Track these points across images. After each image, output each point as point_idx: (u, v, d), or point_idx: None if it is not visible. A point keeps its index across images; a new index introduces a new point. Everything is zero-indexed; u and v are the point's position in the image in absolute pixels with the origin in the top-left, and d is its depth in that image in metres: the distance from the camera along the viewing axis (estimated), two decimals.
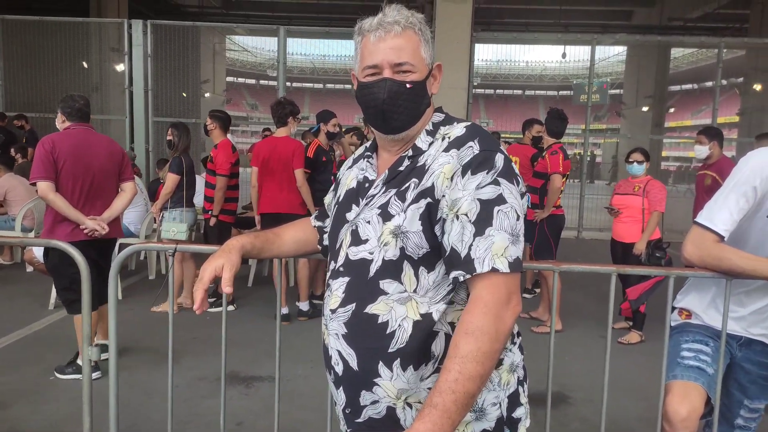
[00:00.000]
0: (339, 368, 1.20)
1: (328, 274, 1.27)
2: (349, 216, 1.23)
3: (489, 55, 35.26)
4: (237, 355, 3.96)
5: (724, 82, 10.19)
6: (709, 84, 29.76)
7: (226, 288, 1.21)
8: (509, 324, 1.07)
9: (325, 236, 1.44)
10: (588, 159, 10.37)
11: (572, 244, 8.73)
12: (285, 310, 4.69)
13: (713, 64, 9.47)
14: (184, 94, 13.32)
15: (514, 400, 1.19)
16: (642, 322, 4.46)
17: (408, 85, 1.16)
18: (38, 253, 4.56)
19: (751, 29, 13.39)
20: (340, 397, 1.22)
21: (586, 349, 4.26)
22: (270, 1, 19.40)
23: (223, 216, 4.77)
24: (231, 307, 5.01)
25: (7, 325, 4.34)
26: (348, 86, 47.24)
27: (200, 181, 5.36)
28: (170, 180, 4.64)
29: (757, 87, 11.99)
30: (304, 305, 4.79)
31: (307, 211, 4.63)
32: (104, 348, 3.87)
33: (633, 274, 3.79)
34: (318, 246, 1.49)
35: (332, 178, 5.13)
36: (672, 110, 27.56)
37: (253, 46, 35.94)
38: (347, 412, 1.22)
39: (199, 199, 5.11)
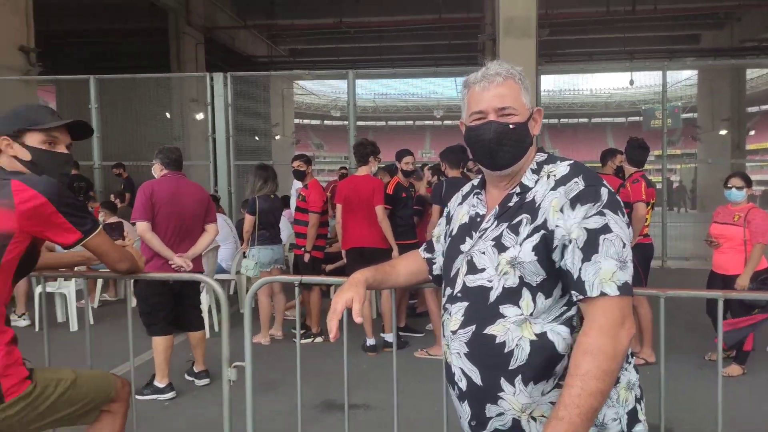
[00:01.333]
0: (462, 384, 1.32)
1: (444, 299, 1.41)
2: (464, 248, 1.37)
3: (550, 85, 35.12)
4: (332, 384, 4.14)
5: None
6: None
7: (358, 319, 1.37)
8: (625, 344, 1.17)
9: (435, 266, 1.59)
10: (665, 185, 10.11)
11: (659, 274, 8.46)
12: (372, 341, 4.85)
13: None
14: (257, 138, 14.06)
15: (632, 417, 1.27)
16: (745, 357, 4.28)
17: (511, 126, 1.31)
18: None
19: None
20: (465, 410, 1.34)
21: (682, 381, 4.14)
22: (333, 48, 20.32)
23: (314, 252, 5.03)
24: (320, 339, 5.22)
25: (117, 357, 4.72)
26: (409, 122, 48.40)
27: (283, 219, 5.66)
28: (246, 221, 4.98)
29: None
30: (389, 337, 4.93)
31: (389, 245, 4.81)
32: (199, 375, 4.17)
33: (735, 308, 3.67)
34: (429, 276, 1.63)
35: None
36: (752, 132, 26.32)
37: (317, 89, 37.51)
38: (472, 424, 1.33)
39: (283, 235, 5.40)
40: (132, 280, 3.83)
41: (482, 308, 1.29)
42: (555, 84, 36.67)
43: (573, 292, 1.21)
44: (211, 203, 4.08)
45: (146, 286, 3.68)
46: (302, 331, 5.31)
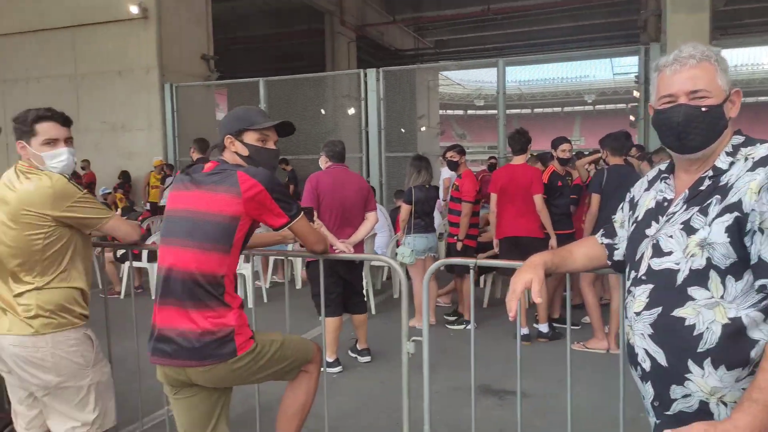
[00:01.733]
0: (646, 365, 1.33)
1: (628, 282, 1.41)
2: (649, 232, 1.37)
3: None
4: (486, 369, 4.22)
5: None
6: None
7: (537, 299, 1.42)
8: None
9: (616, 252, 1.59)
10: None
11: None
12: (525, 331, 4.83)
13: None
14: (403, 130, 14.45)
15: None
16: None
17: (703, 109, 1.28)
18: None
19: None
20: (647, 391, 1.35)
21: None
22: (479, 36, 20.10)
23: (466, 240, 5.12)
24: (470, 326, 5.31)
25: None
26: (557, 109, 46.25)
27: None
28: (403, 210, 5.17)
29: None
30: (543, 327, 4.87)
31: (545, 234, 4.74)
32: (362, 352, 4.47)
33: None
34: (607, 262, 1.63)
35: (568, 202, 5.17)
36: None
37: (461, 79, 37.35)
38: (655, 405, 1.33)
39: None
40: (305, 265, 4.25)
41: (669, 291, 1.29)
42: (730, 59, 32.67)
43: (763, 281, 1.18)
44: (370, 193, 4.33)
45: (318, 270, 4.01)
46: (454, 318, 5.44)
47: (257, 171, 1.92)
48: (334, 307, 4.04)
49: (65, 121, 2.15)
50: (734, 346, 1.21)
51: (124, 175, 10.40)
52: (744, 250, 1.20)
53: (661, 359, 1.29)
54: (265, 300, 6.40)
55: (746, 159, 1.26)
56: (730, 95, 1.32)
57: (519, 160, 4.78)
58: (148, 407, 3.01)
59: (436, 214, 6.33)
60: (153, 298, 1.99)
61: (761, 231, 1.18)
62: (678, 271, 1.28)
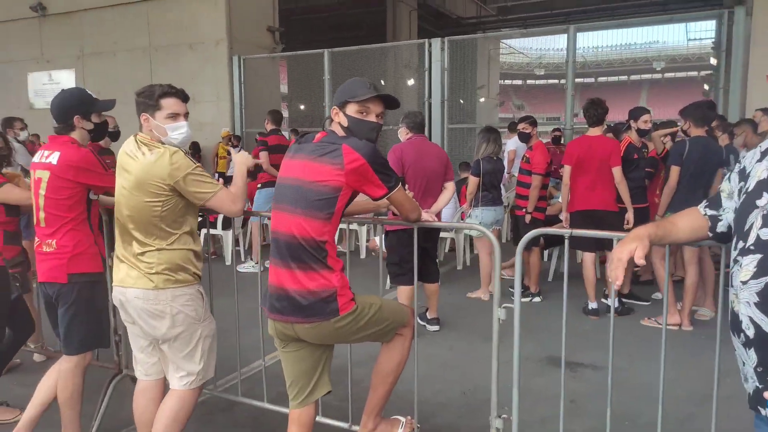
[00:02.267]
0: (750, 332, 1.34)
1: (735, 252, 1.41)
2: (760, 203, 1.37)
3: None
4: (555, 341, 4.24)
5: None
6: None
7: (640, 261, 1.46)
8: None
9: (720, 224, 1.58)
10: None
11: None
12: (594, 305, 4.80)
13: None
14: (462, 101, 14.29)
15: None
16: None
17: None
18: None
19: None
20: (750, 357, 1.36)
21: None
22: (545, 1, 19.39)
23: (535, 213, 5.10)
24: (538, 299, 5.32)
25: None
26: (623, 77, 44.24)
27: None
28: (471, 182, 5.17)
29: None
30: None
31: (619, 208, 4.65)
32: (431, 321, 4.57)
33: None
34: (708, 234, 1.63)
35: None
36: None
37: (521, 46, 36.17)
38: (759, 370, 1.35)
39: None
40: (383, 233, 4.36)
41: None
42: None
43: None
44: (449, 162, 4.35)
45: (397, 239, 4.11)
46: (521, 290, 5.45)
47: (360, 144, 2.01)
48: (410, 275, 4.15)
49: (185, 97, 2.33)
50: None
51: (194, 146, 10.81)
52: None
53: (766, 327, 1.31)
54: None
55: None
56: None
57: (595, 131, 4.67)
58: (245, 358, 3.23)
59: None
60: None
61: None
62: None
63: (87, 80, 11.51)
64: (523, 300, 5.33)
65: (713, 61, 12.21)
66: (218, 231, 6.84)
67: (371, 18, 17.93)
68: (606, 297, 4.99)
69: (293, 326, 2.05)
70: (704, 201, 1.68)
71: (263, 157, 6.26)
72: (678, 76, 40.70)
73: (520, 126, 5.24)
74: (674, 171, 4.33)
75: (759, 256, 1.34)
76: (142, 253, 2.22)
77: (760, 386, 1.37)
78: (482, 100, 20.01)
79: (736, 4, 9.20)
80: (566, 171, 4.73)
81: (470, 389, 3.56)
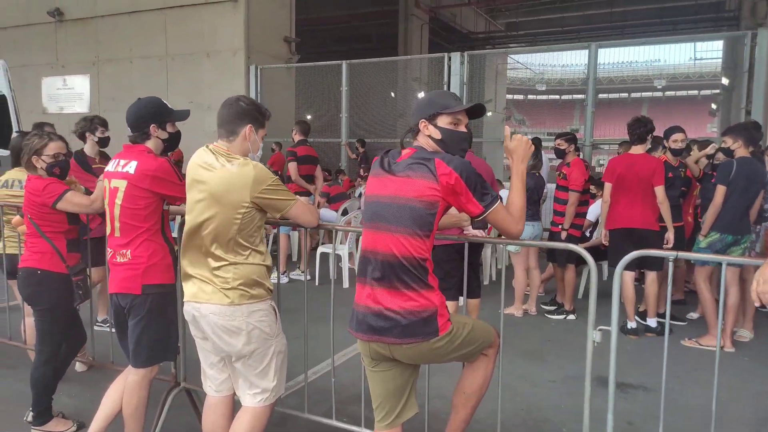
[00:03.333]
0: None
1: None
2: None
3: None
4: (600, 360, 4.19)
5: None
6: None
7: None
8: None
9: None
10: None
11: None
12: (633, 324, 4.76)
13: None
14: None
15: None
16: None
17: None
18: None
19: None
20: None
21: None
22: (554, 18, 19.54)
23: (571, 230, 5.06)
24: (572, 317, 5.28)
25: None
26: (623, 94, 44.50)
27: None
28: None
29: None
30: (652, 322, 4.79)
31: (659, 227, 4.62)
32: None
33: None
34: None
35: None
36: None
37: (528, 62, 36.33)
38: None
39: None
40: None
41: None
42: None
43: None
44: (493, 176, 4.33)
45: (443, 253, 4.05)
46: (554, 308, 5.42)
47: (453, 159, 1.97)
48: (455, 290, 4.09)
49: None
50: None
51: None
52: None
53: None
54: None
55: None
56: None
57: (638, 149, 4.63)
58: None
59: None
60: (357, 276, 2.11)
61: None
62: None
63: (101, 87, 11.48)
64: (558, 317, 5.29)
65: (725, 81, 12.29)
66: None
67: (381, 30, 18.02)
68: (641, 316, 4.94)
69: (390, 346, 1.99)
70: None
71: (292, 169, 6.22)
72: (678, 95, 40.96)
73: (557, 142, 5.22)
74: (720, 190, 4.30)
75: None
76: (218, 268, 2.16)
77: None
78: (489, 114, 20.09)
79: (758, 25, 9.28)
80: (607, 188, 4.69)
81: (523, 409, 3.50)
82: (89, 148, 4.31)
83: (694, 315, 5.30)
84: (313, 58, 12.53)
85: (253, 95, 10.59)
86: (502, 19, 21.09)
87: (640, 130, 4.56)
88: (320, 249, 6.37)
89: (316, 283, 6.26)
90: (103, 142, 4.32)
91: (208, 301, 2.16)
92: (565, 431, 3.24)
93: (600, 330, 2.31)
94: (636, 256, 2.29)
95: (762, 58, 7.60)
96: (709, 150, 5.24)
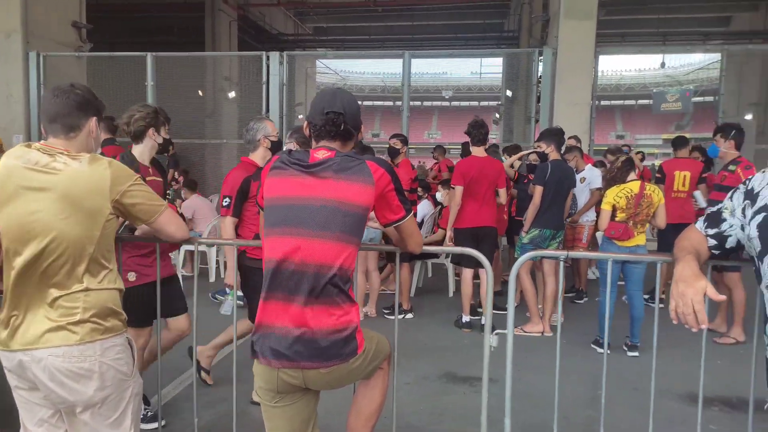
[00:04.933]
0: None
1: (765, 265, 1.52)
2: None
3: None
4: (446, 358, 4.32)
5: None
6: None
7: (720, 297, 1.50)
8: None
9: (729, 239, 1.68)
10: None
11: None
12: (467, 318, 5.00)
13: None
14: (301, 117, 14.01)
15: None
16: None
17: None
18: None
19: None
20: None
21: None
22: (360, 26, 20.24)
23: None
24: (410, 315, 5.38)
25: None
26: (417, 102, 48.15)
27: None
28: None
29: None
30: (466, 317, 5.06)
31: (495, 224, 4.93)
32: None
33: None
34: (712, 252, 1.72)
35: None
36: None
37: (342, 69, 37.32)
38: None
39: None
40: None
41: None
42: (612, 65, 35.94)
43: None
44: None
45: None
46: (389, 309, 5.45)
47: (380, 161, 1.84)
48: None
49: None
50: None
51: None
52: None
53: None
54: None
55: None
56: None
57: (480, 151, 4.85)
58: None
59: None
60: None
61: None
62: None
63: None
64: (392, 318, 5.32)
65: (509, 92, 13.88)
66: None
67: (185, 24, 16.82)
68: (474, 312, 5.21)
69: (304, 373, 1.72)
70: (701, 221, 1.78)
71: None
72: (463, 105, 45.52)
73: (391, 141, 5.30)
74: (538, 191, 4.71)
75: None
76: (60, 297, 1.68)
77: None
78: (301, 116, 20.02)
79: (540, 45, 10.59)
80: (458, 191, 4.80)
81: (386, 416, 3.39)
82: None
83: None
84: (105, 49, 11.14)
85: (33, 87, 9.04)
86: (311, 23, 21.20)
87: (481, 131, 4.77)
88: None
89: None
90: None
91: (46, 343, 1.66)
92: None
93: (497, 334, 2.29)
94: (532, 256, 2.32)
95: (546, 73, 8.68)
96: (525, 153, 5.76)
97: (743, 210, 1.64)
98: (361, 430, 2.05)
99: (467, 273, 4.89)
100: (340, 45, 19.08)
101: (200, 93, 14.56)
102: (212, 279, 6.61)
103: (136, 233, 2.19)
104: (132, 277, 2.79)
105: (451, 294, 6.14)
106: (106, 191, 1.70)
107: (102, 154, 5.41)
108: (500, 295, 6.06)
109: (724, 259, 1.79)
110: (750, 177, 1.70)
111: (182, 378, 3.75)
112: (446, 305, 5.78)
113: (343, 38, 20.25)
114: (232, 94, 13.97)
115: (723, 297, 1.52)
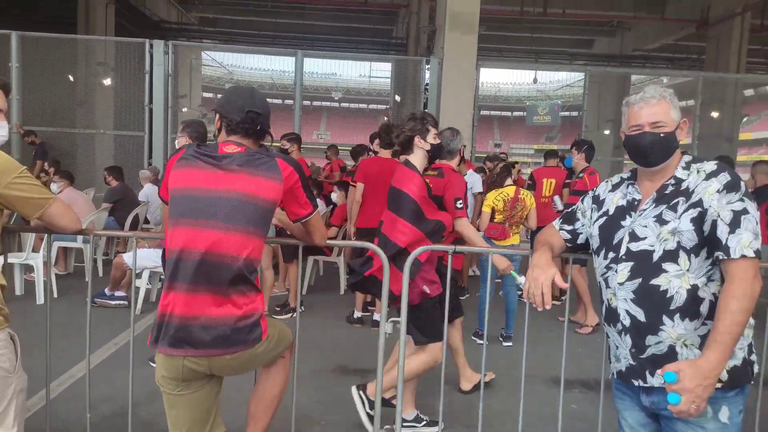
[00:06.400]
0: (626, 321, 1.74)
1: (607, 261, 1.80)
2: (625, 223, 1.80)
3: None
4: (336, 351, 4.45)
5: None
6: None
7: (565, 285, 1.78)
8: (757, 290, 1.63)
9: (581, 236, 1.99)
10: None
11: None
12: (359, 314, 5.18)
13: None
14: (185, 110, 13.33)
15: (750, 348, 1.74)
16: None
17: (662, 135, 1.75)
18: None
19: (707, 62, 14.80)
20: (626, 342, 1.76)
21: None
22: (247, 20, 19.81)
23: None
24: (301, 309, 5.44)
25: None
26: (306, 102, 47.95)
27: None
28: None
29: (714, 114, 13.27)
30: (358, 313, 5.25)
31: None
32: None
33: None
34: (567, 245, 2.03)
35: None
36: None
37: (230, 63, 36.09)
38: (633, 351, 1.75)
39: None
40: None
41: (647, 266, 1.71)
42: (491, 78, 37.85)
43: (719, 254, 1.64)
44: None
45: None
46: (279, 308, 5.46)
47: (289, 159, 1.92)
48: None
49: (7, 89, 1.76)
50: (693, 304, 1.68)
51: None
52: (702, 235, 1.68)
53: (641, 317, 1.72)
54: (56, 295, 5.48)
55: (698, 172, 1.75)
56: (679, 124, 1.80)
57: (386, 153, 5.01)
58: None
59: None
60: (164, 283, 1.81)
61: (716, 219, 1.65)
62: (653, 251, 1.71)
63: None
64: (285, 317, 5.36)
65: (398, 97, 14.40)
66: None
67: (54, 2, 15.46)
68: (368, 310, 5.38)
69: (210, 360, 1.77)
70: (558, 220, 2.07)
71: None
72: (352, 106, 46.09)
73: (281, 141, 5.35)
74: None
75: (631, 263, 1.75)
76: None
77: (633, 363, 1.77)
78: (185, 110, 19.17)
79: (427, 54, 11.08)
80: (359, 188, 4.93)
81: (282, 410, 3.46)
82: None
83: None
84: None
85: None
86: (196, 12, 20.40)
87: (389, 135, 4.93)
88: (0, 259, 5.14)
89: None
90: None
91: None
92: (324, 423, 3.34)
93: (392, 322, 2.45)
94: (421, 251, 2.49)
95: (433, 82, 9.14)
96: None
97: (591, 212, 1.96)
98: (261, 415, 2.13)
99: None
100: (228, 38, 18.49)
101: (71, 78, 13.48)
102: (88, 278, 6.19)
103: (32, 224, 2.10)
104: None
105: (342, 292, 6.28)
106: None
107: None
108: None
109: (575, 252, 2.09)
110: (598, 186, 2.02)
111: None
112: (337, 302, 5.91)
113: (231, 31, 19.63)
114: (107, 81, 13.06)
115: (566, 285, 1.79)
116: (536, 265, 1.83)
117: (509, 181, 4.85)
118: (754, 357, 1.76)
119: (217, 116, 1.94)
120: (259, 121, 1.91)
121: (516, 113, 42.06)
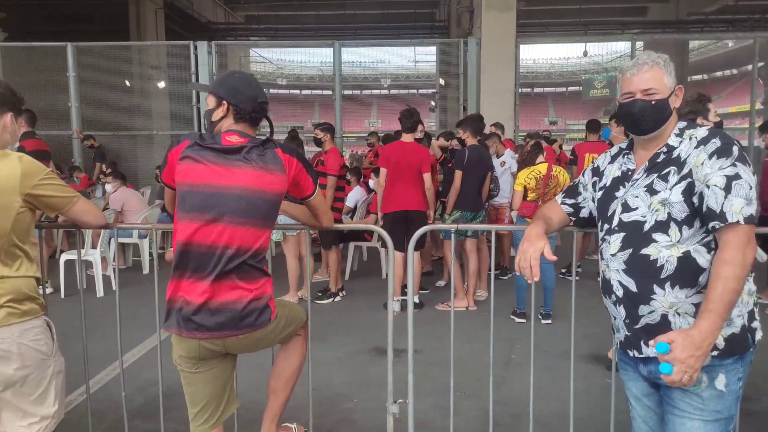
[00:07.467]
0: (620, 292, 1.73)
1: (602, 233, 1.80)
2: (618, 194, 1.77)
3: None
4: (373, 334, 4.55)
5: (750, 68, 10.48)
6: (719, 74, 30.10)
7: (553, 257, 1.77)
8: (750, 257, 1.58)
9: (582, 211, 1.98)
10: None
11: None
12: (398, 299, 5.26)
13: (721, 55, 9.69)
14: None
15: (751, 315, 1.69)
16: None
17: (653, 102, 1.71)
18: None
19: None
20: (620, 312, 1.75)
21: None
22: (292, 15, 20.09)
23: (333, 213, 5.36)
24: (338, 298, 5.58)
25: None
26: (356, 91, 48.21)
27: None
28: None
29: None
30: (416, 297, 5.32)
31: (426, 207, 5.14)
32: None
33: None
34: (570, 219, 2.02)
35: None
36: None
37: (278, 58, 36.92)
38: (627, 321, 1.73)
39: None
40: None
41: (638, 236, 1.69)
42: (531, 54, 37.02)
43: (713, 222, 1.60)
44: None
45: None
46: (320, 293, 5.61)
47: (288, 147, 2.01)
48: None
49: None
50: (686, 272, 1.65)
51: None
52: (693, 206, 1.64)
53: (632, 287, 1.70)
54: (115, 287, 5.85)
55: (690, 138, 1.71)
56: (674, 90, 1.75)
57: (409, 137, 5.07)
58: None
59: None
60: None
61: (707, 188, 1.61)
62: (644, 222, 1.69)
63: None
64: (328, 301, 5.52)
65: (442, 81, 14.26)
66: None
67: (107, 11, 16.22)
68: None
69: (224, 341, 1.92)
70: (561, 194, 2.06)
71: None
72: (401, 93, 46.02)
73: (315, 132, 5.48)
74: (458, 175, 5.00)
75: (623, 234, 1.73)
76: None
77: (629, 334, 1.76)
78: None
79: (467, 35, 10.94)
80: (382, 173, 5.03)
81: (315, 388, 3.59)
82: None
83: (441, 283, 6.09)
84: (22, 38, 10.65)
85: None
86: (242, 11, 20.88)
87: (410, 120, 5.01)
88: (64, 256, 5.56)
89: (62, 296, 5.50)
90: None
91: None
92: (356, 400, 3.46)
93: (398, 300, 2.52)
94: (424, 231, 2.53)
95: (472, 62, 9.04)
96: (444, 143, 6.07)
97: (593, 185, 1.93)
98: (281, 390, 2.27)
99: (398, 256, 5.14)
100: (274, 34, 18.90)
101: (127, 83, 14.13)
102: (146, 271, 6.58)
103: (59, 221, 2.28)
104: None
105: (384, 276, 6.38)
106: (16, 186, 1.80)
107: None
108: (430, 275, 6.38)
109: (583, 227, 2.08)
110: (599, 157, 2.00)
111: None
112: (378, 287, 6.02)
113: (276, 27, 20.03)
114: (161, 84, 13.62)
115: (555, 258, 1.79)
116: (526, 238, 1.84)
117: (541, 158, 4.79)
118: (756, 324, 1.71)
119: (225, 103, 1.95)
120: (266, 111, 2.02)
121: (571, 88, 40.78)
